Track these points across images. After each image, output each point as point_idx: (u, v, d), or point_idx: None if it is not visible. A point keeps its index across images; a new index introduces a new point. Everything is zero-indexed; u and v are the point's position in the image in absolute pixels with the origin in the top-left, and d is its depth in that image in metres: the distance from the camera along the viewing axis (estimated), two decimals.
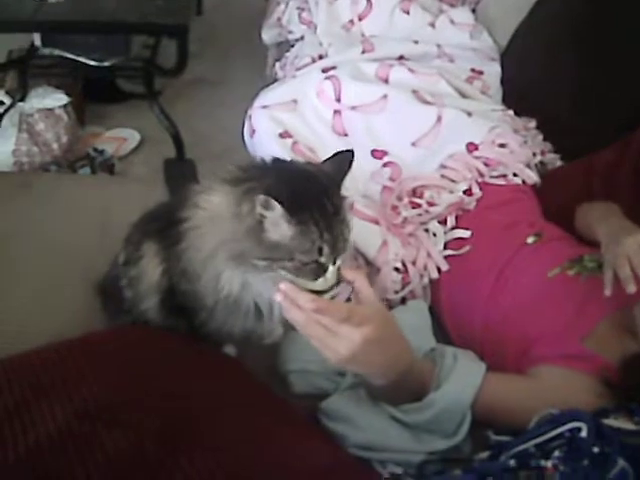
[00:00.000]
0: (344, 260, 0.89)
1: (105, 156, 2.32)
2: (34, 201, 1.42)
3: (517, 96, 1.78)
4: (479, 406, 0.99)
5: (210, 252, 0.88)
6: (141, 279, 0.99)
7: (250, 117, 1.60)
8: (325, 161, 0.94)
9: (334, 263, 0.86)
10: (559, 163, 1.58)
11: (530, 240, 1.26)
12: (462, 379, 0.99)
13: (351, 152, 0.92)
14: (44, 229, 1.33)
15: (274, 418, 0.89)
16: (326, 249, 0.85)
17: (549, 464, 0.78)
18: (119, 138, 2.47)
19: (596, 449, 0.77)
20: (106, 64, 2.20)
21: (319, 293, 0.87)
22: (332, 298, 0.89)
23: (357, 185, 1.42)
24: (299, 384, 1.12)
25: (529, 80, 1.81)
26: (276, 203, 0.80)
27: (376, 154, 1.48)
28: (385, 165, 1.46)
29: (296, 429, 0.90)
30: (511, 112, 1.65)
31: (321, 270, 0.86)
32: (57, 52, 2.22)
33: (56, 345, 0.90)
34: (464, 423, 0.99)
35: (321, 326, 0.85)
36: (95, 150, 2.34)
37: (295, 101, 1.58)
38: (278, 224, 0.82)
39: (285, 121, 1.54)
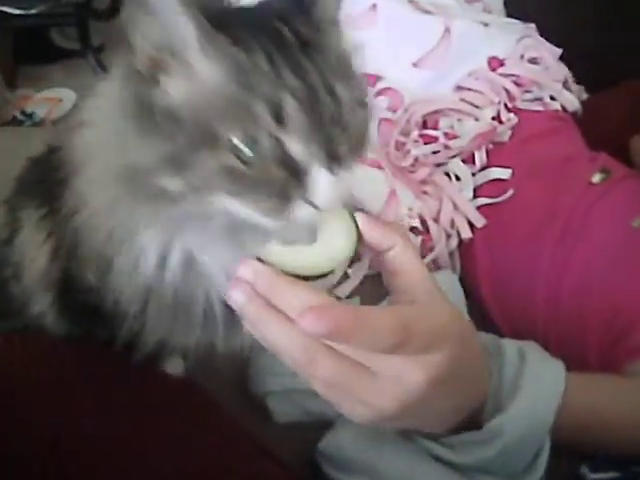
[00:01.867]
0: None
1: (34, 119, 1.99)
2: None
3: (524, 20, 1.42)
4: (561, 426, 0.62)
5: (101, 187, 0.49)
6: (24, 266, 0.63)
7: None
8: None
9: (329, 164, 0.44)
10: (585, 96, 1.25)
11: (596, 179, 0.90)
12: (537, 390, 0.62)
13: None
14: None
15: None
16: (294, 106, 0.42)
17: None
18: (53, 99, 2.13)
19: None
20: (33, 12, 2.00)
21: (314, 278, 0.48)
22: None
23: None
24: (283, 410, 0.74)
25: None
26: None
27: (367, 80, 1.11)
28: (380, 93, 1.08)
29: None
30: (533, 25, 1.29)
31: (293, 179, 0.43)
32: None
33: None
34: (541, 454, 0.62)
35: (342, 360, 0.48)
36: (23, 113, 2.01)
37: None
38: (185, 61, 0.43)
39: None
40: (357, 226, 0.51)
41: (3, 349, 0.62)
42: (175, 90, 0.43)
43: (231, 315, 0.53)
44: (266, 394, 0.75)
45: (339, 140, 0.45)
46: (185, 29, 0.42)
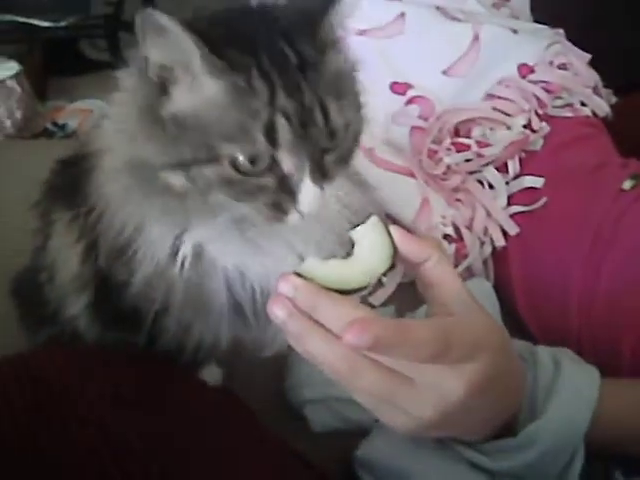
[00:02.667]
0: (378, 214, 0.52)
1: (66, 131, 1.98)
2: None
3: (553, 25, 1.43)
4: (596, 431, 0.62)
5: (114, 175, 0.53)
6: (57, 268, 0.64)
7: None
8: None
9: (315, 177, 0.47)
10: (614, 100, 1.24)
11: (627, 185, 0.90)
12: (572, 396, 0.62)
13: None
14: None
15: None
16: (286, 128, 0.45)
17: None
18: (84, 110, 2.12)
19: None
20: (63, 24, 2.02)
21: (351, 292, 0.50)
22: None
23: (374, 130, 1.06)
24: (321, 419, 0.75)
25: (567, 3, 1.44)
26: (173, 24, 0.43)
27: (397, 88, 1.11)
28: (410, 101, 1.09)
29: None
30: (562, 31, 1.29)
31: (284, 189, 0.47)
32: (7, 17, 2.02)
33: None
34: (575, 460, 0.62)
35: (384, 372, 0.49)
36: (55, 125, 2.01)
37: None
38: (191, 77, 0.46)
39: None
40: (392, 239, 0.52)
41: (44, 363, 0.62)
42: (182, 99, 0.47)
43: (242, 314, 0.56)
44: (303, 403, 0.76)
45: (328, 156, 0.48)
46: (190, 51, 0.45)
